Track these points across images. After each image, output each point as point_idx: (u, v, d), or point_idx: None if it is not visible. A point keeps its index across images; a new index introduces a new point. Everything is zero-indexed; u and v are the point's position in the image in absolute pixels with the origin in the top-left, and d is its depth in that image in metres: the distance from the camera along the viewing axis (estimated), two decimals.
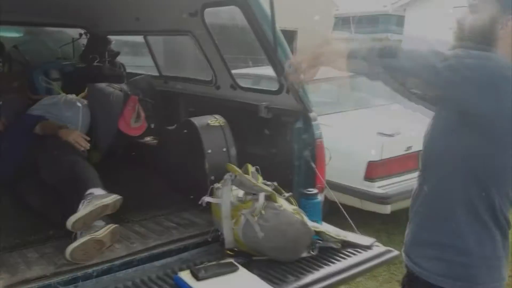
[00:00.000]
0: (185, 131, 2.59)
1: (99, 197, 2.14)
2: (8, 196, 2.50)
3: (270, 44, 2.43)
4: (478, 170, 1.30)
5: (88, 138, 2.70)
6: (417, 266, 1.43)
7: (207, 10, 2.88)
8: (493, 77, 1.21)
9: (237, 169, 2.10)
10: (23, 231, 2.18)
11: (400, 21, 12.93)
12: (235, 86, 3.03)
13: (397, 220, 3.96)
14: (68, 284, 1.83)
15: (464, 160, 1.31)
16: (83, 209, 2.07)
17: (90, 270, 1.90)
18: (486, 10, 1.31)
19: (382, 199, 3.83)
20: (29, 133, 2.79)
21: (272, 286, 1.75)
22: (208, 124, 2.51)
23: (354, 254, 2.09)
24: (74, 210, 2.08)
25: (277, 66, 2.51)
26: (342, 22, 15.21)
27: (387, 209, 3.84)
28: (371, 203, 3.88)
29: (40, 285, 1.79)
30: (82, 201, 2.15)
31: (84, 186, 2.25)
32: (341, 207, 2.50)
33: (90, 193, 2.19)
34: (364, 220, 3.51)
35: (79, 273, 1.88)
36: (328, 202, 2.98)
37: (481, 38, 1.31)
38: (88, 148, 2.65)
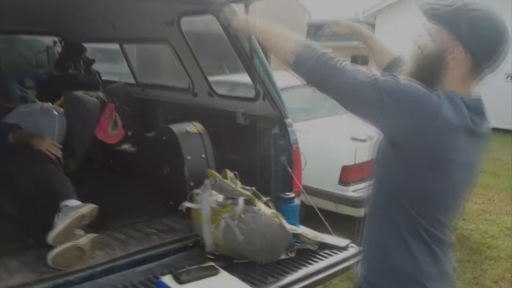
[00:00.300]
0: (164, 138, 2.62)
1: (75, 208, 2.16)
2: None
3: (246, 52, 2.50)
4: (397, 191, 1.32)
5: (60, 146, 2.68)
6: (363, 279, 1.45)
7: (184, 19, 2.93)
8: (407, 99, 1.24)
9: (217, 174, 2.15)
10: (2, 239, 2.17)
11: (370, 29, 13.21)
12: (212, 93, 3.08)
13: None
14: None
15: (386, 180, 1.35)
16: (61, 223, 2.08)
17: (71, 277, 1.92)
18: (437, 36, 1.32)
19: (356, 203, 3.93)
20: (2, 141, 2.77)
21: (252, 287, 1.80)
22: (187, 131, 2.55)
23: (330, 255, 2.17)
24: (50, 222, 2.10)
25: (253, 74, 2.58)
26: (315, 30, 15.45)
27: (361, 212, 3.94)
28: (346, 207, 3.98)
29: None
30: (58, 214, 2.16)
31: (58, 198, 2.26)
32: (317, 210, 2.58)
33: (65, 205, 2.20)
34: (339, 224, 3.59)
35: (61, 280, 1.89)
36: (304, 207, 3.05)
37: (431, 63, 1.32)
38: (59, 156, 2.64)
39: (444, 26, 1.31)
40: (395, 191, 1.33)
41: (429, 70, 1.31)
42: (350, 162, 3.98)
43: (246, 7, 2.32)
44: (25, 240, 2.19)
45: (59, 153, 2.64)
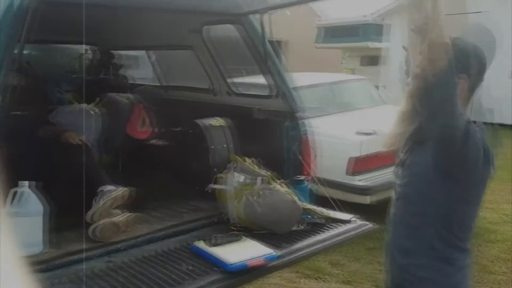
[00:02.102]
0: (190, 131, 3.02)
1: (109, 192, 2.57)
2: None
3: (261, 56, 2.88)
4: (437, 211, 1.53)
5: (80, 137, 3.10)
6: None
7: (206, 27, 3.32)
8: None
9: (239, 158, 2.54)
10: (58, 218, 2.56)
11: (379, 30, 13.51)
12: (230, 92, 3.47)
13: (376, 211, 4.40)
14: (102, 255, 2.23)
15: (425, 202, 1.55)
16: (96, 204, 2.50)
17: (119, 245, 2.31)
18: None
19: (362, 191, 4.29)
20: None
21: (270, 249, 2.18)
22: (210, 124, 2.94)
23: (336, 227, 2.53)
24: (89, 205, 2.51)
25: (267, 74, 2.96)
26: (325, 32, 15.78)
27: (366, 199, 4.30)
28: (353, 195, 4.33)
29: (80, 257, 2.19)
30: (95, 198, 2.57)
31: (95, 185, 2.67)
32: (327, 194, 2.93)
33: (101, 190, 2.62)
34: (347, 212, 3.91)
35: (111, 247, 2.29)
36: (315, 197, 3.40)
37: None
38: (79, 142, 3.05)
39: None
40: (434, 211, 1.53)
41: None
42: (356, 154, 4.34)
43: (261, 17, 2.71)
44: (78, 218, 2.58)
45: (78, 141, 3.04)
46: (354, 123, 4.85)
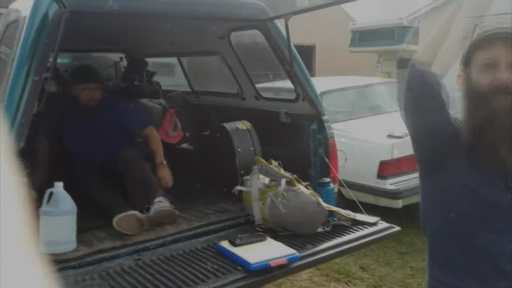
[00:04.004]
0: (218, 134, 3.08)
1: (157, 209, 2.59)
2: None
3: (287, 60, 2.92)
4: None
5: None
6: None
7: (233, 33, 3.40)
8: None
9: (263, 160, 2.58)
10: (90, 217, 2.68)
11: (415, 32, 13.30)
12: (258, 97, 3.52)
13: (408, 215, 4.34)
14: (132, 253, 2.32)
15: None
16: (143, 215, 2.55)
17: (148, 244, 2.40)
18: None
19: (394, 195, 4.24)
20: None
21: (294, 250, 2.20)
22: (237, 128, 3.00)
23: (361, 229, 2.53)
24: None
25: (293, 78, 3.00)
26: (359, 36, 15.64)
27: (398, 203, 4.25)
28: (384, 199, 4.29)
29: (111, 254, 2.28)
30: (148, 206, 2.64)
31: (153, 195, 2.73)
32: (354, 198, 2.93)
33: (157, 201, 2.66)
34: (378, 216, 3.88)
35: (140, 246, 2.37)
36: (344, 200, 3.39)
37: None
38: None
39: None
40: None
41: None
42: (387, 157, 4.31)
43: (286, 21, 2.76)
44: (109, 218, 2.69)
45: None
46: (384, 126, 4.80)
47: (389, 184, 4.31)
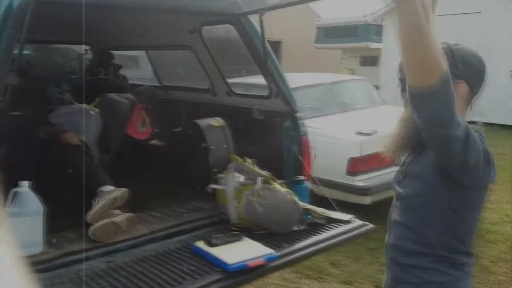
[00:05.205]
0: (190, 131, 3.01)
1: (108, 192, 2.57)
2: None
3: (261, 56, 2.88)
4: (438, 215, 1.51)
5: (79, 138, 3.12)
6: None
7: (205, 27, 3.32)
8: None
9: (239, 158, 2.53)
10: (59, 217, 2.56)
11: (378, 30, 13.53)
12: (230, 92, 3.47)
13: (375, 212, 4.39)
14: (103, 255, 2.23)
15: (426, 206, 1.53)
16: (96, 205, 2.50)
17: (120, 245, 2.31)
18: None
19: (363, 191, 4.29)
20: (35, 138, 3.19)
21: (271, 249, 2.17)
22: (210, 125, 2.94)
23: (336, 227, 2.53)
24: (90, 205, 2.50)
25: (267, 74, 2.96)
26: (324, 32, 15.79)
27: (366, 200, 4.30)
28: (353, 195, 4.33)
29: (80, 257, 2.19)
30: (95, 198, 2.57)
31: (95, 185, 2.67)
32: (327, 195, 2.93)
33: (100, 190, 2.62)
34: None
35: (112, 247, 2.29)
36: (314, 196, 3.39)
37: None
38: (78, 143, 3.06)
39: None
40: (436, 215, 1.52)
41: None
42: (356, 154, 4.35)
43: (261, 17, 2.71)
44: (77, 218, 2.58)
45: (77, 142, 3.05)
46: (353, 123, 4.85)
47: (358, 180, 4.35)
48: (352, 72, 14.18)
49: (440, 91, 1.29)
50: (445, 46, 1.48)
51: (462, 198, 1.51)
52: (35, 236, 2.17)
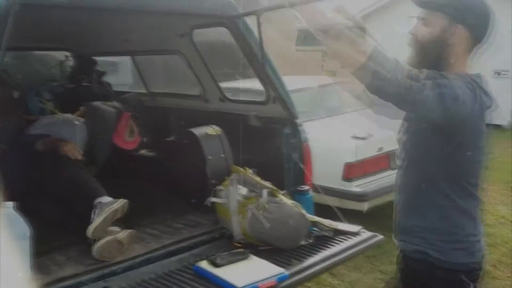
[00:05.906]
0: (185, 141, 2.83)
1: (108, 204, 2.37)
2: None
3: (258, 59, 2.72)
4: (443, 166, 1.53)
5: (82, 152, 2.88)
6: (408, 246, 1.65)
7: (196, 30, 3.15)
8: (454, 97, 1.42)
9: (242, 169, 2.37)
10: (46, 238, 2.36)
11: (361, 32, 13.50)
12: (223, 98, 3.30)
13: (372, 218, 4.28)
14: (97, 280, 2.04)
15: (425, 159, 1.56)
16: (97, 218, 2.29)
17: (115, 268, 2.13)
18: (435, 22, 1.47)
19: (360, 197, 4.16)
20: (28, 151, 2.96)
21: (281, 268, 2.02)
22: (206, 133, 2.77)
23: (345, 240, 2.39)
24: (84, 219, 2.30)
25: (264, 79, 2.81)
26: (305, 35, 15.72)
27: (364, 206, 4.17)
28: (350, 201, 4.20)
29: (73, 283, 2.00)
30: (93, 210, 2.37)
31: (92, 197, 2.47)
32: (331, 204, 2.78)
33: (99, 202, 2.42)
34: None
35: (106, 270, 2.10)
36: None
37: (434, 49, 1.47)
38: (79, 158, 2.84)
39: (441, 10, 1.47)
40: (436, 167, 1.53)
41: (434, 55, 1.48)
42: (352, 159, 4.22)
43: (258, 18, 2.56)
44: (66, 238, 2.38)
45: (79, 156, 2.84)
46: (346, 127, 4.73)
47: (355, 186, 4.22)
48: (333, 74, 14.12)
49: (368, 66, 1.36)
50: None
51: (457, 141, 1.48)
52: (22, 262, 1.96)
